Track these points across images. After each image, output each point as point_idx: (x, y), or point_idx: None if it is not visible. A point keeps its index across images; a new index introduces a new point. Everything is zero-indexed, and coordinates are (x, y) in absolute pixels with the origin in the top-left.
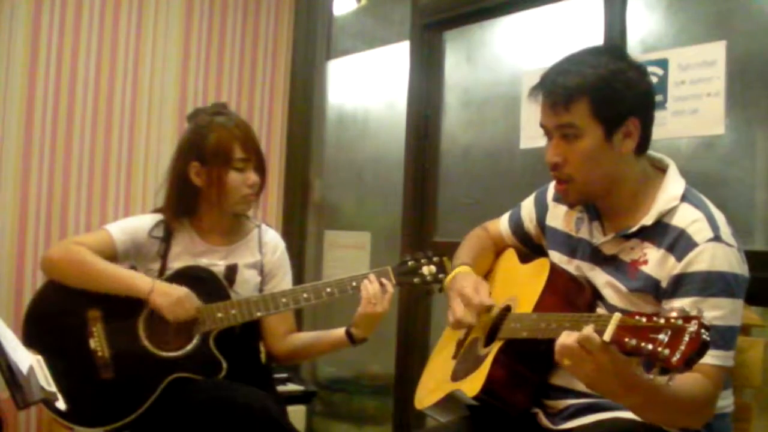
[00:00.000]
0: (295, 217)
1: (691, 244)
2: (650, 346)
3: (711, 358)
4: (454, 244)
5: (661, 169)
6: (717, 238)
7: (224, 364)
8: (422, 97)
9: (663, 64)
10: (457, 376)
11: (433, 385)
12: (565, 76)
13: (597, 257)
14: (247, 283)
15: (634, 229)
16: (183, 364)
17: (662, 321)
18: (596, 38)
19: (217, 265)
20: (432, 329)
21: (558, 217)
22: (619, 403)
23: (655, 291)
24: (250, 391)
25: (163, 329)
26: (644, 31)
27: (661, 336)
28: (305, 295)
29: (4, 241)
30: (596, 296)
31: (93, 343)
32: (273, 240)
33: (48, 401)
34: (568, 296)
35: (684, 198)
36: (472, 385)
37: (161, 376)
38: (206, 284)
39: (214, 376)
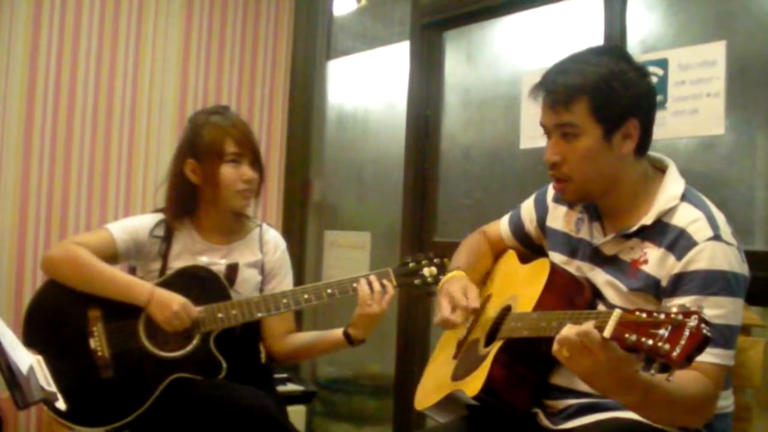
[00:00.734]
0: (295, 217)
1: (691, 243)
2: (650, 342)
3: (711, 356)
4: (454, 244)
5: (661, 170)
6: (717, 237)
7: (224, 365)
8: (422, 97)
9: (663, 64)
10: (457, 376)
11: (434, 385)
12: (566, 76)
13: (597, 257)
14: (247, 282)
15: (634, 228)
16: (183, 364)
17: (662, 316)
18: (596, 38)
19: (218, 263)
20: (432, 329)
21: (558, 218)
22: (617, 400)
23: (655, 290)
24: (250, 391)
25: (164, 329)
26: (644, 31)
27: (662, 331)
28: (306, 296)
29: (4, 241)
30: (596, 296)
31: (93, 343)
32: (274, 239)
33: (48, 401)
34: (569, 296)
35: (684, 197)
36: (472, 385)
37: (161, 376)
38: (207, 284)
39: (214, 376)
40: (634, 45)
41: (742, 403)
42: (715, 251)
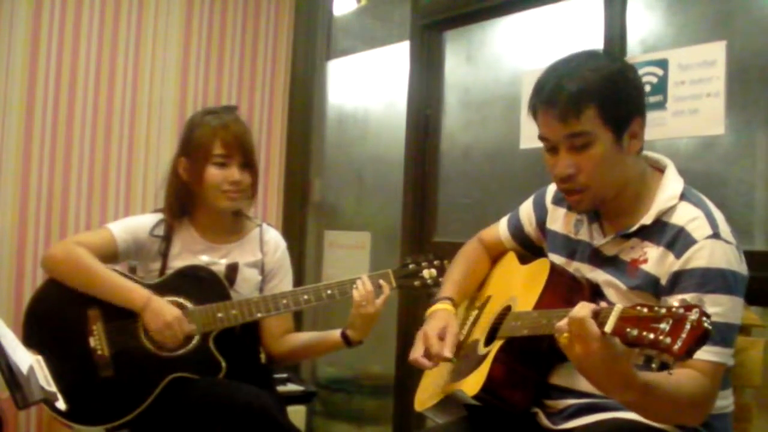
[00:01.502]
0: (295, 217)
1: (690, 241)
2: (652, 336)
3: (709, 354)
4: (454, 244)
5: (659, 169)
6: (716, 235)
7: (223, 364)
8: (422, 97)
9: (663, 64)
10: (457, 376)
11: (433, 386)
12: (568, 85)
13: (597, 258)
14: (247, 282)
15: (634, 228)
16: (183, 363)
17: (663, 311)
18: (596, 38)
19: (218, 263)
20: None
21: (557, 219)
22: (615, 398)
23: (655, 288)
24: (249, 390)
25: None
26: (644, 31)
27: (663, 325)
28: (305, 297)
29: (4, 241)
30: (596, 295)
31: (93, 342)
32: (274, 239)
33: (48, 401)
34: (568, 295)
35: (683, 196)
36: (472, 385)
37: (161, 375)
38: (206, 284)
39: (214, 375)
40: (634, 45)
41: (742, 402)
42: (714, 249)
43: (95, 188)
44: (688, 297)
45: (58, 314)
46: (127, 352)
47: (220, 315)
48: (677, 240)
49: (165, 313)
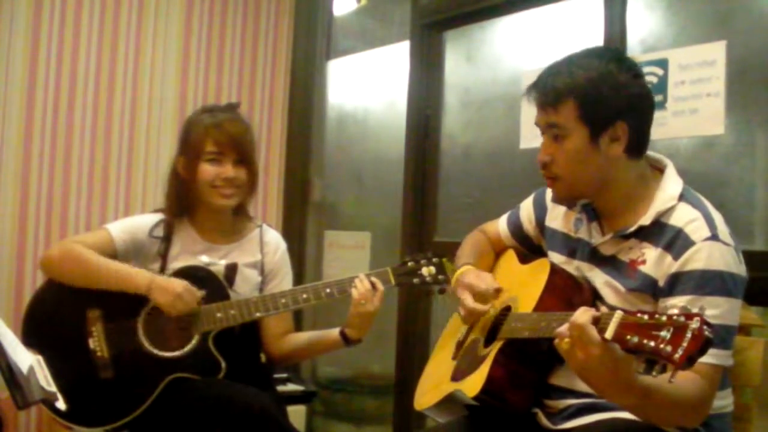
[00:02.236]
0: (295, 217)
1: (689, 243)
2: (652, 344)
3: (707, 356)
4: (454, 244)
5: (660, 170)
6: (714, 237)
7: (223, 364)
8: (422, 97)
9: (663, 64)
10: (457, 376)
11: (433, 385)
12: (556, 78)
13: (596, 257)
14: (247, 282)
15: (633, 229)
16: (182, 364)
17: (664, 318)
18: (596, 38)
19: (217, 263)
20: (432, 329)
21: (557, 218)
22: (613, 402)
23: (653, 290)
24: (249, 390)
25: (163, 329)
26: (644, 31)
27: (663, 333)
28: (305, 296)
29: (4, 241)
30: (595, 296)
31: (92, 343)
32: (274, 240)
33: (48, 401)
34: (568, 296)
35: (682, 197)
36: (472, 385)
37: (160, 376)
38: (206, 284)
39: (213, 376)
40: (634, 45)
41: (742, 402)
42: (712, 251)
43: (95, 188)
44: (686, 299)
45: (58, 315)
46: (127, 353)
47: (219, 315)
48: (676, 241)
49: (173, 285)
